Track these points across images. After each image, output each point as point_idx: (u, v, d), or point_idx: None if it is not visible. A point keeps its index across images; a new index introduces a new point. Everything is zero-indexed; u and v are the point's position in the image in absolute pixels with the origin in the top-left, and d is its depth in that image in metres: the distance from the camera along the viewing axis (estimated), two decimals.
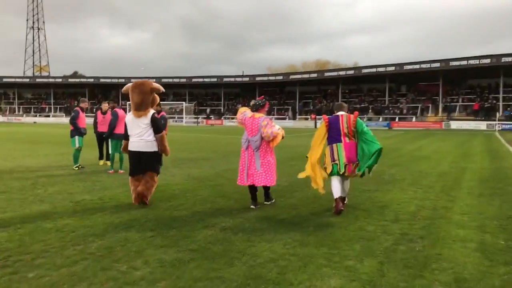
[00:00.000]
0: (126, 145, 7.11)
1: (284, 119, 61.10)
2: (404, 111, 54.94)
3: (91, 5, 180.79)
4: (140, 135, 6.86)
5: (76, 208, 6.61)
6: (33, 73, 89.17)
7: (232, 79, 67.21)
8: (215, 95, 72.79)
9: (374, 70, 55.61)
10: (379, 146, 6.43)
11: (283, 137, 6.73)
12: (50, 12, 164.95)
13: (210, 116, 65.84)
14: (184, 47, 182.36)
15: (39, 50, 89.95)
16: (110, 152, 11.36)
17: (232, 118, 63.41)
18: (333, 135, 6.61)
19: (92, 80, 73.40)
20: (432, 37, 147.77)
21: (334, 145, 6.57)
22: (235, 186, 8.59)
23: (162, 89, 7.08)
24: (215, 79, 67.74)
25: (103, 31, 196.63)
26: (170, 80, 69.92)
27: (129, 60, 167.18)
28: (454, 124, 47.00)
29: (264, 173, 6.67)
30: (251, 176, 6.71)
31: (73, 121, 11.47)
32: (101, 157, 12.37)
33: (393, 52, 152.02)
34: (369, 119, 55.11)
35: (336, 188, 6.51)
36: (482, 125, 45.65)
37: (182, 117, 61.37)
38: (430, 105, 54.64)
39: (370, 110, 57.83)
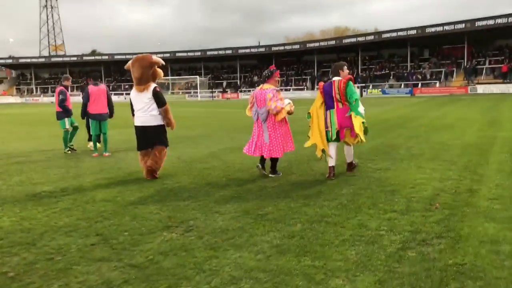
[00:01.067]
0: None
1: (302, 89, 59.42)
2: (427, 76, 52.53)
3: None
4: (143, 109, 6.90)
5: (26, 205, 5.60)
6: (49, 52, 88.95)
7: (248, 50, 65.44)
8: (231, 68, 71.29)
9: (394, 34, 53.08)
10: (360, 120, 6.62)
11: (290, 113, 6.76)
12: None
13: (226, 90, 64.57)
14: (204, 20, 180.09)
15: (53, 29, 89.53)
16: (91, 133, 10.39)
17: (249, 91, 62.13)
18: (327, 102, 6.70)
19: (106, 57, 72.70)
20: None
21: (328, 111, 6.70)
22: (225, 170, 7.56)
23: (162, 62, 7.07)
24: (230, 51, 66.12)
25: (122, 7, 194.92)
26: (185, 54, 68.76)
27: (148, 36, 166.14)
28: (480, 88, 44.57)
29: (271, 145, 6.71)
30: (259, 148, 6.80)
31: (63, 104, 10.42)
32: (89, 138, 11.41)
33: (417, 17, 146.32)
34: (391, 86, 53.03)
35: (331, 152, 6.72)
36: (511, 88, 43.18)
37: (197, 92, 60.34)
38: (454, 69, 52.06)
39: (391, 77, 55.58)
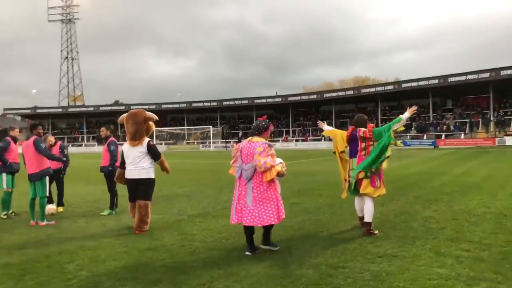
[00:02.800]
0: (121, 174, 7.41)
1: (320, 140, 57.52)
2: (451, 127, 50.08)
3: (139, 36, 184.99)
4: (135, 163, 7.04)
5: None
6: (68, 103, 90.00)
7: (264, 100, 64.50)
8: (247, 118, 70.24)
9: (415, 84, 51.31)
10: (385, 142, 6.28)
11: (281, 174, 5.46)
12: (102, 43, 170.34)
13: (241, 139, 63.17)
14: (228, 71, 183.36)
15: (73, 80, 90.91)
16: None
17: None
18: (351, 149, 6.55)
19: (123, 107, 72.70)
20: (482, 50, 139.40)
21: (351, 159, 6.54)
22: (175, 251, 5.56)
23: (155, 117, 7.33)
24: (246, 101, 65.24)
25: (150, 60, 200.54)
26: (201, 104, 68.19)
27: (174, 88, 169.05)
28: (509, 140, 41.85)
29: (255, 210, 5.38)
30: (239, 213, 5.48)
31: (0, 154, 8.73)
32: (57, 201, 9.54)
33: (440, 68, 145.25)
34: (412, 138, 50.63)
35: (357, 205, 6.81)
36: None
37: (210, 142, 59.06)
38: (480, 119, 49.58)
39: (413, 128, 53.34)
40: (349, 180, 6.52)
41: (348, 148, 6.66)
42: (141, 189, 7.03)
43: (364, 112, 61.59)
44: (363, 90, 57.20)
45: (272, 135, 63.28)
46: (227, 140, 60.17)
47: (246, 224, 5.44)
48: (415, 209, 8.38)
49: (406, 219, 7.38)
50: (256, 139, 5.59)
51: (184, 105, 69.36)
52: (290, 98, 62.82)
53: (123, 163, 7.32)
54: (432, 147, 45.33)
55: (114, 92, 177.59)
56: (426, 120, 53.75)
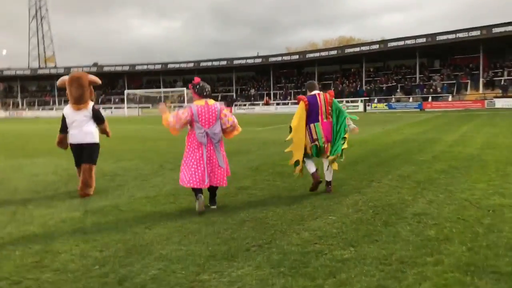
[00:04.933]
0: (62, 139, 7.18)
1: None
2: (438, 89, 47.73)
3: None
4: (79, 127, 6.88)
5: None
6: (39, 64, 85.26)
7: (244, 61, 61.16)
8: (227, 80, 67.02)
9: (402, 43, 48.32)
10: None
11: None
12: (83, 3, 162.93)
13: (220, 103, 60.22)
14: (215, 33, 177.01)
15: (43, 40, 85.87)
16: None
17: (244, 105, 57.72)
18: (312, 115, 6.47)
19: (95, 69, 68.82)
20: (473, 11, 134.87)
21: (312, 125, 6.47)
22: None
23: (99, 81, 7.35)
24: (225, 62, 61.86)
25: (134, 21, 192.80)
26: (177, 65, 64.63)
27: (158, 50, 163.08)
28: (499, 103, 39.71)
29: (226, 170, 5.88)
30: (213, 175, 5.69)
31: None
32: None
33: (429, 30, 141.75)
34: (398, 100, 48.31)
35: (311, 163, 6.61)
36: None
37: (183, 106, 56.12)
38: (468, 81, 47.28)
39: (398, 90, 50.92)
40: (315, 145, 6.49)
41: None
42: (86, 153, 6.94)
43: (349, 72, 59.01)
44: (347, 50, 54.12)
45: (252, 98, 60.50)
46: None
47: (222, 185, 5.84)
48: (402, 198, 5.98)
49: (390, 220, 4.96)
50: (211, 101, 5.73)
51: (160, 66, 65.66)
52: (271, 59, 59.53)
53: (64, 127, 7.07)
54: (418, 110, 43.12)
55: (96, 55, 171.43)
56: (412, 81, 51.30)
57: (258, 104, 57.32)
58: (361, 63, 55.05)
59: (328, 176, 6.60)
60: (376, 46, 51.39)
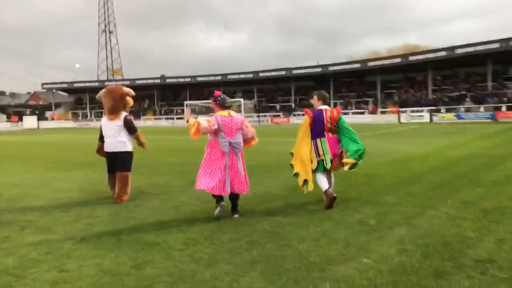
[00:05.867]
0: (100, 147, 7.68)
1: (363, 113, 52.91)
2: None
3: (189, 9, 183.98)
4: (113, 136, 7.29)
5: None
6: (107, 77, 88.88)
7: (303, 71, 60.08)
8: (285, 90, 66.12)
9: (471, 49, 45.32)
10: (362, 147, 6.30)
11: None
12: (154, 19, 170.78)
13: (278, 114, 59.38)
14: (279, 44, 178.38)
15: (111, 54, 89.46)
16: None
17: (303, 114, 56.46)
18: (317, 130, 6.42)
19: (159, 81, 70.61)
20: None
21: (318, 140, 6.43)
22: None
23: (132, 93, 7.62)
24: (283, 72, 61.10)
25: (201, 35, 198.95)
26: (237, 76, 64.73)
27: (225, 62, 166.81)
28: None
29: (245, 178, 5.99)
30: (235, 183, 5.85)
31: None
32: None
33: (502, 36, 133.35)
34: (467, 110, 45.13)
35: (323, 180, 6.39)
36: None
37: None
38: None
39: (468, 99, 47.63)
40: (320, 160, 6.39)
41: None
42: (119, 162, 7.30)
43: (414, 81, 56.15)
44: (412, 58, 51.58)
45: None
46: (259, 114, 56.56)
47: (243, 193, 5.97)
48: (462, 235, 4.74)
49: (442, 269, 3.79)
50: (233, 113, 5.98)
51: (220, 77, 66.13)
52: (331, 68, 58.07)
53: (102, 136, 7.58)
54: (490, 120, 39.93)
55: (163, 68, 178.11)
56: (483, 90, 47.79)
57: None
58: (427, 71, 52.23)
59: (331, 185, 6.54)
60: (443, 53, 48.55)
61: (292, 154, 6.66)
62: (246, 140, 6.16)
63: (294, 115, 56.60)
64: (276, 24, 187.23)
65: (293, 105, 62.67)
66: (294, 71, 60.44)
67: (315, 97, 6.60)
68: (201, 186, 5.75)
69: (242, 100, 56.56)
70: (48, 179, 9.95)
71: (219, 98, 6.03)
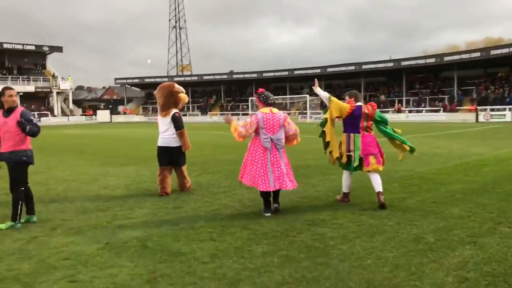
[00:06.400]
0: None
1: (437, 111, 50.06)
2: None
3: (260, 4, 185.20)
4: (166, 131, 7.58)
5: None
6: (177, 72, 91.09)
7: (373, 66, 57.87)
8: (355, 86, 64.15)
9: None
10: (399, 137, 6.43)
11: None
12: (226, 15, 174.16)
13: None
14: (351, 39, 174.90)
15: (181, 49, 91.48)
16: None
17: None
18: (353, 124, 6.31)
19: (225, 76, 71.17)
20: None
21: (352, 134, 6.32)
22: None
23: (182, 90, 7.84)
24: (352, 67, 59.23)
25: (272, 30, 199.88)
26: (304, 71, 63.75)
27: (296, 57, 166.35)
28: None
29: (289, 175, 6.06)
30: (277, 179, 5.86)
31: None
32: None
33: None
34: None
35: (346, 182, 6.50)
36: None
37: (307, 112, 54.57)
38: None
39: None
40: (349, 155, 6.32)
41: (339, 120, 6.50)
42: (172, 156, 7.58)
43: (496, 77, 52.23)
44: (493, 52, 47.76)
45: (382, 105, 56.91)
46: (325, 110, 55.18)
47: (287, 189, 5.98)
48: None
49: None
50: (275, 110, 6.07)
51: (286, 73, 65.43)
52: (403, 63, 55.24)
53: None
54: None
55: (233, 63, 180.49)
56: None
57: (388, 111, 53.77)
58: (511, 66, 48.35)
59: (378, 187, 6.24)
60: None
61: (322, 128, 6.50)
62: (288, 138, 6.18)
63: None
64: (349, 18, 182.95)
65: (362, 102, 60.64)
66: (364, 66, 58.34)
67: (347, 98, 6.52)
68: (244, 181, 6.04)
69: (308, 96, 55.67)
70: (100, 174, 9.96)
71: (262, 95, 6.15)
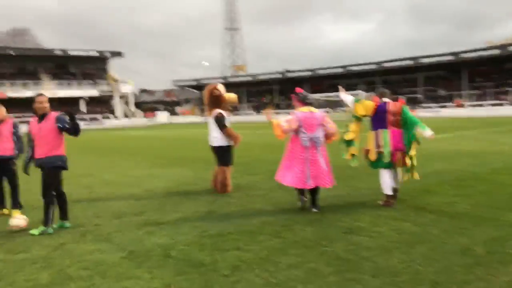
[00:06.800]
0: None
1: (501, 104, 47.18)
2: None
3: (317, 2, 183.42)
4: (210, 131, 7.80)
5: None
6: (231, 73, 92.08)
7: (431, 60, 55.39)
8: (412, 81, 61.78)
9: None
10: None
11: None
12: (280, 14, 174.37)
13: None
14: (409, 32, 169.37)
15: (235, 50, 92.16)
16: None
17: (429, 107, 52.14)
18: (379, 121, 6.23)
19: (279, 75, 70.91)
20: None
21: (380, 130, 6.22)
22: None
23: (219, 90, 7.83)
24: (410, 62, 57.03)
25: (327, 27, 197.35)
26: (359, 67, 62.21)
27: (350, 53, 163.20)
28: None
29: (329, 172, 6.13)
30: (318, 177, 6.00)
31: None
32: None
33: None
34: None
35: (387, 183, 6.23)
36: None
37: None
38: None
39: None
40: (380, 152, 6.16)
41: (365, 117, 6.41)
42: (217, 156, 7.76)
43: None
44: None
45: (441, 99, 54.43)
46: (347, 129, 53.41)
47: (325, 186, 6.10)
48: None
49: None
50: (314, 109, 6.20)
51: (340, 69, 64.21)
52: (463, 55, 52.65)
53: None
54: None
55: (288, 62, 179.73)
56: None
57: (448, 106, 51.32)
58: None
59: (396, 183, 6.28)
60: None
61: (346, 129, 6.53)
62: (327, 136, 6.25)
63: (421, 107, 52.53)
64: (408, 10, 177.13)
65: (419, 96, 58.37)
66: (422, 60, 56.02)
67: (373, 97, 6.49)
68: (282, 181, 6.19)
69: (360, 91, 54.17)
70: (144, 176, 10.01)
71: (300, 95, 6.35)
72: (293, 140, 6.19)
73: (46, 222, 5.41)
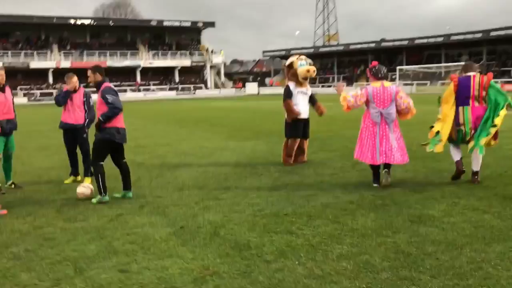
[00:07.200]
0: None
1: None
2: None
3: None
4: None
5: None
6: (323, 42, 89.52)
7: None
8: None
9: None
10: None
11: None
12: None
13: (510, 80, 50.52)
14: None
15: (328, 19, 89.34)
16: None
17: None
18: (462, 97, 5.89)
19: (373, 45, 67.75)
20: None
21: (461, 108, 5.90)
22: None
23: (302, 62, 7.81)
24: None
25: None
26: (462, 36, 57.35)
27: (456, 21, 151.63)
28: None
29: (400, 148, 5.99)
30: (384, 153, 5.88)
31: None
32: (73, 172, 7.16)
33: None
34: None
35: (456, 151, 6.06)
36: None
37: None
38: None
39: None
40: (460, 130, 5.90)
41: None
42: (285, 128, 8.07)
43: None
44: None
45: None
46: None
47: (396, 163, 5.98)
48: None
49: None
50: (387, 83, 6.00)
51: (441, 39, 59.66)
52: None
53: None
54: None
55: (385, 32, 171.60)
56: None
57: None
58: None
59: (475, 166, 5.95)
60: None
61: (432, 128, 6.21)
62: (400, 112, 6.10)
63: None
64: None
65: None
66: None
67: (462, 71, 6.12)
68: (356, 156, 6.18)
69: (465, 63, 49.93)
70: (218, 148, 10.02)
71: (373, 69, 6.12)
72: (365, 115, 6.12)
73: (98, 190, 5.54)
